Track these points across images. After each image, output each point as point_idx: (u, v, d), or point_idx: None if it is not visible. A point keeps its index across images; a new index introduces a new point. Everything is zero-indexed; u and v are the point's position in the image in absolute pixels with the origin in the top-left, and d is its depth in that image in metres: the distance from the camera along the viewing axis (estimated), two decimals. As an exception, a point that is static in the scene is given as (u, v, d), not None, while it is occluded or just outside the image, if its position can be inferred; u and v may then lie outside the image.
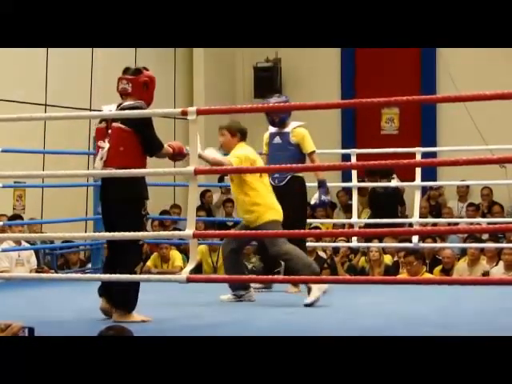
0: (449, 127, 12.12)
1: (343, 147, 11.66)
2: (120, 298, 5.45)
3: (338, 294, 6.47)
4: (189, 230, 5.04)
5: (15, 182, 9.92)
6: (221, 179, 11.26)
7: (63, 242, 9.85)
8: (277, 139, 7.21)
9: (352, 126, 12.83)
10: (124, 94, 5.67)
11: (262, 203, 6.25)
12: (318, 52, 12.23)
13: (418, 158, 7.94)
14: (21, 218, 9.62)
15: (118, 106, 5.67)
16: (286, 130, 7.18)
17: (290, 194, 6.91)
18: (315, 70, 12.87)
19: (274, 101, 7.14)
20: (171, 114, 10.86)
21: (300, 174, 7.14)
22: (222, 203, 11.79)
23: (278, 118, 7.07)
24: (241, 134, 6.45)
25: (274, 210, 6.28)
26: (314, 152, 7.17)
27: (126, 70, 5.72)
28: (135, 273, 5.44)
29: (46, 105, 10.92)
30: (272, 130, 7.27)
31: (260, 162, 6.46)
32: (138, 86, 5.62)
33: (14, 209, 10.64)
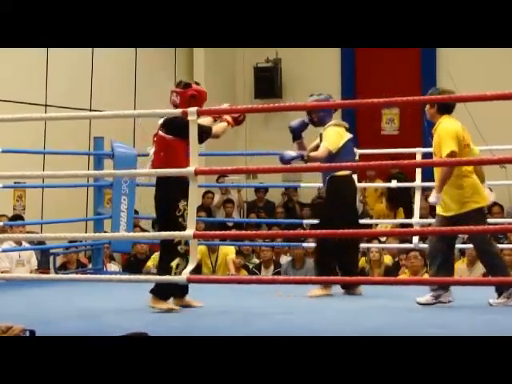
0: (449, 127, 12.10)
1: (343, 147, 11.64)
2: (157, 286, 5.86)
3: (337, 295, 6.48)
4: (189, 231, 5.05)
5: (15, 183, 9.92)
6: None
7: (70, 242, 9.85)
8: (318, 139, 7.10)
9: (352, 127, 12.75)
10: (174, 106, 6.04)
11: None
12: (318, 52, 12.23)
13: (419, 158, 7.93)
14: (21, 218, 9.62)
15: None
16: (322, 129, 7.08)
17: (327, 195, 6.96)
18: (315, 71, 12.87)
19: (312, 99, 6.95)
20: (172, 114, 10.87)
21: (339, 173, 6.77)
22: (221, 204, 11.79)
23: (317, 117, 6.92)
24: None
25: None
26: (326, 151, 6.81)
27: (179, 84, 6.10)
28: (169, 269, 5.75)
29: (46, 105, 10.92)
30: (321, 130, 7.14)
31: None
32: (185, 98, 5.95)
33: (14, 209, 10.64)
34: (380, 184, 11.31)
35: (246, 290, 6.64)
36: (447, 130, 5.79)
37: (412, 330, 4.91)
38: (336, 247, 6.66)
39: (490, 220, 10.08)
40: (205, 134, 5.89)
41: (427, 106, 5.99)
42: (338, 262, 6.80)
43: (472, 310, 5.82)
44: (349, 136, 6.93)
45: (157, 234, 5.66)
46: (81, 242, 9.79)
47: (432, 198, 5.97)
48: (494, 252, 5.98)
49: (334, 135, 6.77)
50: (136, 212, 10.30)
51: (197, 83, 6.15)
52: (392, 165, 5.42)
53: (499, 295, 5.88)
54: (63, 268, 10.01)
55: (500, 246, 9.21)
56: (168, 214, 5.81)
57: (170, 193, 5.83)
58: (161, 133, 6.00)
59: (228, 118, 6.12)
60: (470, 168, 5.86)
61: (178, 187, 5.75)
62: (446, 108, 5.90)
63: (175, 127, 5.87)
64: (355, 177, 7.47)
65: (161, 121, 6.11)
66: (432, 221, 10.50)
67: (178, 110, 5.53)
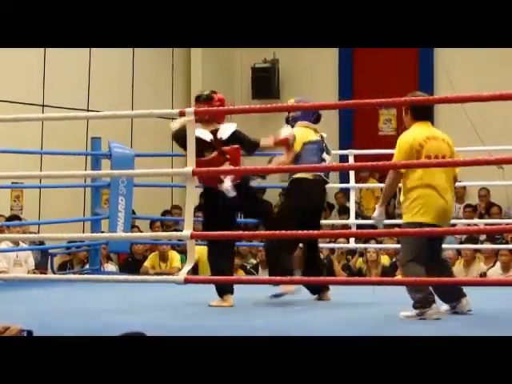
0: (446, 128, 12.00)
1: (341, 148, 11.64)
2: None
3: (335, 295, 6.47)
4: (186, 231, 5.05)
5: (13, 183, 9.92)
6: None
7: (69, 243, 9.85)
8: None
9: (350, 127, 12.83)
10: (205, 121, 6.11)
11: None
12: (315, 53, 12.23)
13: (416, 159, 7.91)
14: (19, 218, 9.62)
15: (213, 133, 6.19)
16: None
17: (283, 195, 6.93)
18: (313, 71, 12.88)
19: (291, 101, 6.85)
20: (169, 114, 10.86)
21: (298, 176, 6.60)
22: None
23: (292, 117, 6.76)
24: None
25: None
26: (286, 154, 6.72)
27: (199, 97, 6.25)
28: (219, 267, 6.11)
29: (43, 105, 10.92)
30: None
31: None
32: None
33: (11, 209, 10.64)
34: (372, 185, 11.29)
35: (243, 291, 6.63)
36: (400, 142, 5.50)
37: (408, 330, 4.92)
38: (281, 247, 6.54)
39: (487, 220, 10.14)
40: (252, 148, 6.27)
41: (403, 113, 5.71)
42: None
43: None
44: (315, 138, 6.65)
45: (153, 234, 5.65)
46: (78, 242, 9.78)
47: (375, 213, 5.76)
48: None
49: (297, 136, 6.58)
50: (133, 212, 10.30)
51: (214, 92, 6.23)
52: (389, 165, 5.41)
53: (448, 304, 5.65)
54: (62, 268, 10.01)
55: (497, 246, 9.24)
56: (207, 216, 6.30)
57: (206, 198, 6.34)
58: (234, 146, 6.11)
59: (272, 143, 6.39)
60: (427, 181, 5.43)
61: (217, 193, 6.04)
62: (418, 114, 5.58)
63: (238, 137, 6.14)
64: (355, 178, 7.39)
65: (225, 135, 6.19)
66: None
67: (176, 111, 5.51)
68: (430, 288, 5.39)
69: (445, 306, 5.66)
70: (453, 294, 5.60)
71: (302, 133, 6.59)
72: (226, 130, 6.21)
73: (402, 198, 5.57)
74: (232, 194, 6.03)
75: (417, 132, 5.52)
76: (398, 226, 9.67)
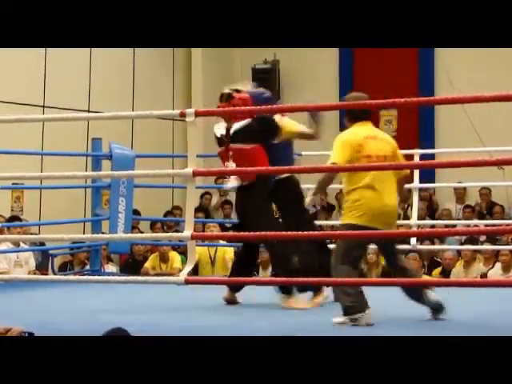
0: (447, 129, 12.12)
1: (341, 149, 11.65)
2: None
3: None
4: (187, 232, 5.05)
5: (13, 184, 9.92)
6: None
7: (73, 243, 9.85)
8: None
9: (350, 128, 12.82)
10: (227, 119, 6.17)
11: None
12: (316, 53, 12.23)
13: (417, 159, 7.93)
14: (19, 219, 9.62)
15: (227, 130, 6.19)
16: None
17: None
18: (313, 71, 12.88)
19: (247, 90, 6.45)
20: (169, 115, 10.87)
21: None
22: (220, 205, 11.79)
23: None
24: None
25: None
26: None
27: (221, 96, 6.23)
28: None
29: (44, 106, 10.92)
30: None
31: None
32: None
33: (12, 210, 10.64)
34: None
35: (244, 291, 6.64)
36: (338, 140, 5.43)
37: (409, 330, 4.92)
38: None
39: (487, 221, 10.13)
40: (272, 134, 6.13)
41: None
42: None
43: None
44: None
45: (154, 234, 5.65)
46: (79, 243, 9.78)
47: (306, 200, 5.69)
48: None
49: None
50: (138, 213, 10.31)
51: (238, 91, 6.21)
52: (390, 166, 5.40)
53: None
54: (63, 269, 10.01)
55: (497, 247, 9.24)
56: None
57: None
58: (236, 145, 6.08)
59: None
60: (368, 182, 5.30)
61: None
62: (356, 116, 5.52)
63: (254, 134, 6.06)
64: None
65: (220, 133, 6.18)
66: (430, 222, 10.57)
67: (176, 112, 5.51)
68: (363, 292, 5.22)
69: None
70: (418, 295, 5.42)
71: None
72: (235, 126, 6.21)
73: (344, 199, 5.50)
74: (229, 186, 6.11)
75: (355, 132, 5.46)
76: (399, 226, 9.71)
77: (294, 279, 5.53)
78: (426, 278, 8.62)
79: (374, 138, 5.47)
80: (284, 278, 5.74)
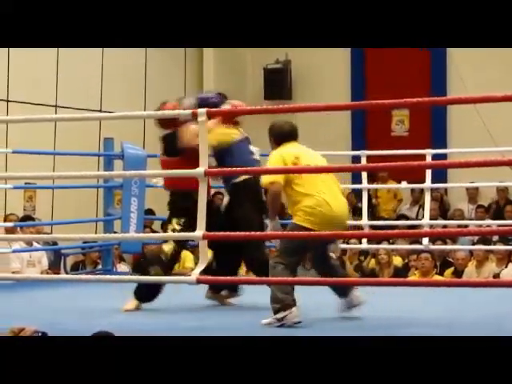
0: (459, 129, 12.10)
1: (353, 149, 11.64)
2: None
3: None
4: (199, 232, 5.04)
5: (26, 183, 9.95)
6: None
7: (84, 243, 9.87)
8: None
9: (362, 128, 12.82)
10: (159, 126, 6.34)
11: None
12: (327, 53, 12.22)
13: (429, 159, 7.91)
14: (32, 218, 9.65)
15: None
16: None
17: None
18: (325, 72, 12.87)
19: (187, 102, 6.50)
20: (181, 115, 10.88)
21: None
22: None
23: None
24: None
25: None
26: None
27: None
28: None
29: (56, 106, 10.95)
30: None
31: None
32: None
33: (24, 210, 10.67)
34: (390, 186, 11.31)
35: (255, 291, 6.63)
36: (272, 157, 5.48)
37: (419, 331, 4.91)
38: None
39: (499, 222, 10.09)
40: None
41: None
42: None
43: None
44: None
45: (166, 234, 5.64)
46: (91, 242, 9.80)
47: (269, 227, 5.59)
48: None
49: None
50: (153, 213, 10.32)
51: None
52: (402, 166, 5.40)
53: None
54: (75, 268, 10.03)
55: (510, 247, 9.20)
56: None
57: None
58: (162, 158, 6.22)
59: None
60: (321, 188, 5.40)
61: None
62: (281, 139, 5.57)
63: (164, 146, 6.17)
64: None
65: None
66: (443, 222, 10.55)
67: (188, 112, 5.51)
68: (293, 291, 5.29)
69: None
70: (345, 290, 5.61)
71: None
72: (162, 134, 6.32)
73: (291, 200, 5.47)
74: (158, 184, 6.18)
75: (286, 148, 5.53)
76: (412, 227, 9.71)
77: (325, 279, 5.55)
78: (438, 278, 8.60)
79: (307, 153, 5.56)
80: (296, 278, 5.73)
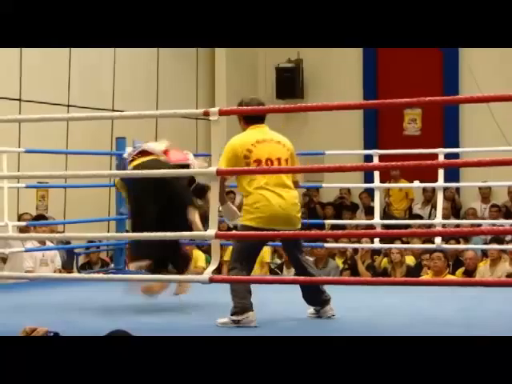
0: (471, 128, 12.07)
1: (365, 148, 11.65)
2: None
3: (359, 295, 6.45)
4: (211, 231, 5.04)
5: (38, 183, 9.97)
6: None
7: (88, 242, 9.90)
8: None
9: (374, 127, 12.81)
10: None
11: None
12: (339, 53, 12.22)
13: (441, 158, 7.89)
14: (45, 218, 9.67)
15: None
16: None
17: None
18: (337, 71, 12.87)
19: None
20: (193, 114, 10.90)
21: None
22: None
23: None
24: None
25: None
26: None
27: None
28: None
29: (68, 105, 10.98)
30: None
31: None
32: None
33: (37, 209, 10.70)
34: (401, 185, 11.30)
35: (268, 290, 6.63)
36: (228, 145, 5.48)
37: (432, 330, 4.90)
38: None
39: (507, 220, 10.06)
40: None
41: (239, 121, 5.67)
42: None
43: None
44: None
45: (177, 233, 5.64)
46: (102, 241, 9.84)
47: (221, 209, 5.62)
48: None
49: None
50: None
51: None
52: (414, 165, 5.38)
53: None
54: (85, 267, 10.05)
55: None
56: None
57: None
58: None
59: None
60: (262, 184, 5.39)
61: None
62: (249, 119, 5.53)
63: None
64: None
65: None
66: (455, 221, 10.53)
67: (200, 111, 5.50)
68: (250, 294, 5.37)
69: (310, 309, 5.69)
70: (317, 299, 5.62)
71: None
72: None
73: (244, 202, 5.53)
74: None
75: (246, 137, 5.51)
76: (423, 226, 9.69)
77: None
78: (450, 277, 8.58)
79: (267, 141, 5.50)
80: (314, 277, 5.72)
